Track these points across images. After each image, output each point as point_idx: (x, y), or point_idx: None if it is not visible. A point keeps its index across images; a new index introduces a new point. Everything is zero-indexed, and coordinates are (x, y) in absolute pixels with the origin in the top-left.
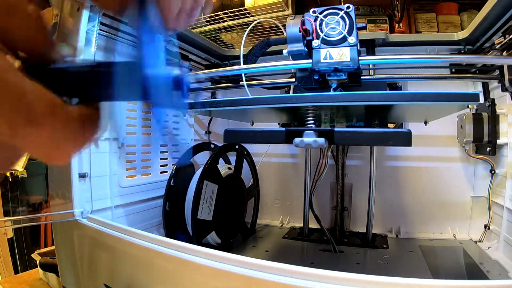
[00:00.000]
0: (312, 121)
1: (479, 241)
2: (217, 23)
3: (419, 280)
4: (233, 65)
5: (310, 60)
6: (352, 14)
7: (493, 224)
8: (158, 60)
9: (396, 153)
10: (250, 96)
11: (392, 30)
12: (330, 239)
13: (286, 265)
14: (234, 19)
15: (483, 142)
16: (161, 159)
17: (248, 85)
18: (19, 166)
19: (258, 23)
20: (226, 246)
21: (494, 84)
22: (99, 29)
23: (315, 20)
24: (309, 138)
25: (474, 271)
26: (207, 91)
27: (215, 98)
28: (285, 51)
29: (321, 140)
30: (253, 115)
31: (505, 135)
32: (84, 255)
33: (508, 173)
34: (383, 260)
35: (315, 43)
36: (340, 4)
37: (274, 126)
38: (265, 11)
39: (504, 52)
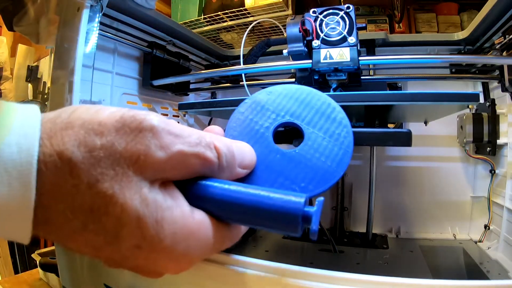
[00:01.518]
0: None
1: (479, 241)
2: (217, 23)
3: (419, 280)
4: (233, 65)
5: (310, 60)
6: (352, 14)
7: (493, 224)
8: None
9: (396, 153)
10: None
11: (392, 30)
12: (330, 239)
13: (286, 265)
14: (234, 19)
15: (483, 142)
16: None
17: (248, 85)
18: None
19: (258, 23)
20: None
21: (494, 84)
22: (99, 29)
23: (315, 20)
24: None
25: (474, 271)
26: (207, 91)
27: (215, 98)
28: (285, 51)
29: None
30: None
31: (505, 135)
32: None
33: (508, 173)
34: (383, 260)
35: (315, 43)
36: (340, 4)
37: None
38: (265, 11)
39: (504, 52)
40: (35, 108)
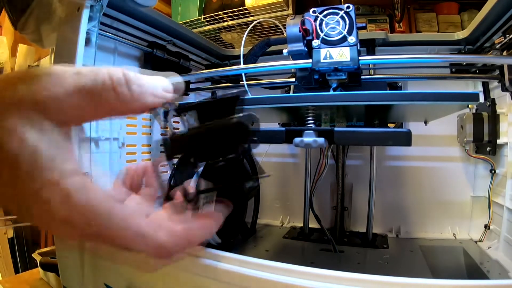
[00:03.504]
0: (312, 121)
1: (479, 241)
2: (217, 22)
3: (419, 279)
4: (233, 65)
5: (310, 60)
6: (352, 14)
7: (494, 224)
8: None
9: (396, 153)
10: (250, 96)
11: (392, 30)
12: (330, 239)
13: (287, 264)
14: (234, 19)
15: (484, 142)
16: None
17: (248, 85)
18: None
19: (258, 23)
20: (226, 246)
21: (494, 84)
22: (99, 29)
23: (315, 20)
24: (309, 138)
25: (474, 271)
26: (207, 91)
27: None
28: (285, 51)
29: (321, 140)
30: None
31: (505, 135)
32: (85, 254)
33: (509, 173)
34: (383, 260)
35: (315, 43)
36: (340, 4)
37: (274, 126)
38: (265, 11)
39: (504, 52)
40: None
